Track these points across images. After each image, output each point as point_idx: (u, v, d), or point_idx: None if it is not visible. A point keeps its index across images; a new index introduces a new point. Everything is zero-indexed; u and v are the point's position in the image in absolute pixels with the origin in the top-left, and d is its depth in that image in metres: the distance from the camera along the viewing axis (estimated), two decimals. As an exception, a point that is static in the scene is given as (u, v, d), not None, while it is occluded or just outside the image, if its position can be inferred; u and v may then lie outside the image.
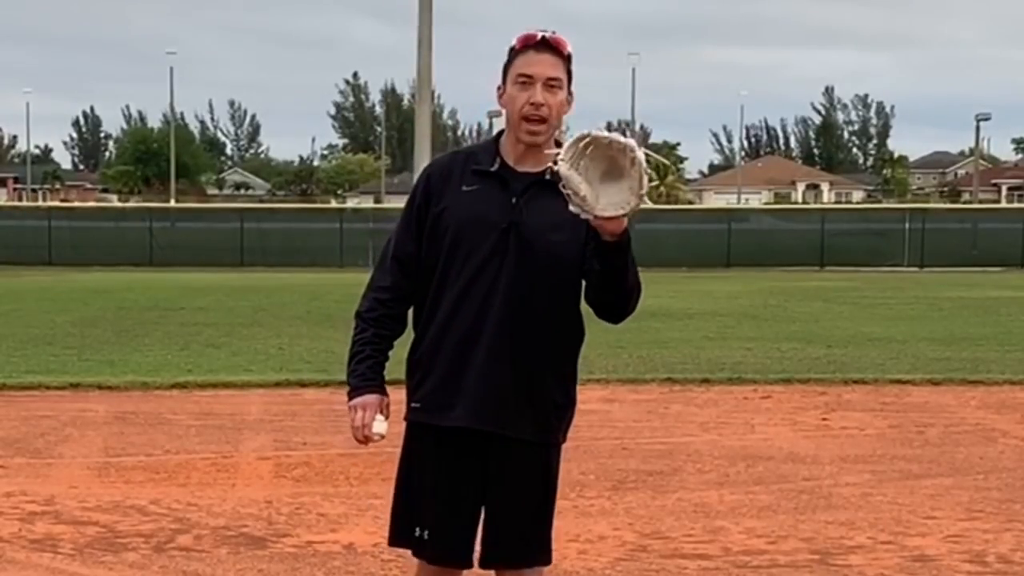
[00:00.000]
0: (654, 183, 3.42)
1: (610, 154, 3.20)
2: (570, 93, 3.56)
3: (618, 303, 3.54)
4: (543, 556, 3.67)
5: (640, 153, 3.17)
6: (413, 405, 3.61)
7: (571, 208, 3.22)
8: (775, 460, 8.01)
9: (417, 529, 3.60)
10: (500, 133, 3.62)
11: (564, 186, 3.21)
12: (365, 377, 3.60)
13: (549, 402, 3.59)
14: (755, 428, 9.24)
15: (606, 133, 3.21)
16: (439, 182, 3.58)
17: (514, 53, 3.52)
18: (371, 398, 3.59)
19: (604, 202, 3.22)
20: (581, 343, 3.69)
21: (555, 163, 3.21)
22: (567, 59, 3.53)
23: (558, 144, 3.49)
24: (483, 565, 3.65)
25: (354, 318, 3.69)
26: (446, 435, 3.55)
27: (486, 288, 3.49)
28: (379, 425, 3.58)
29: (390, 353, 3.66)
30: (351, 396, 3.62)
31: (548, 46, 3.49)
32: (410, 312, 3.68)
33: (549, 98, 3.47)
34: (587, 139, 3.19)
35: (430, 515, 3.59)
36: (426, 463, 3.61)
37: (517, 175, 3.53)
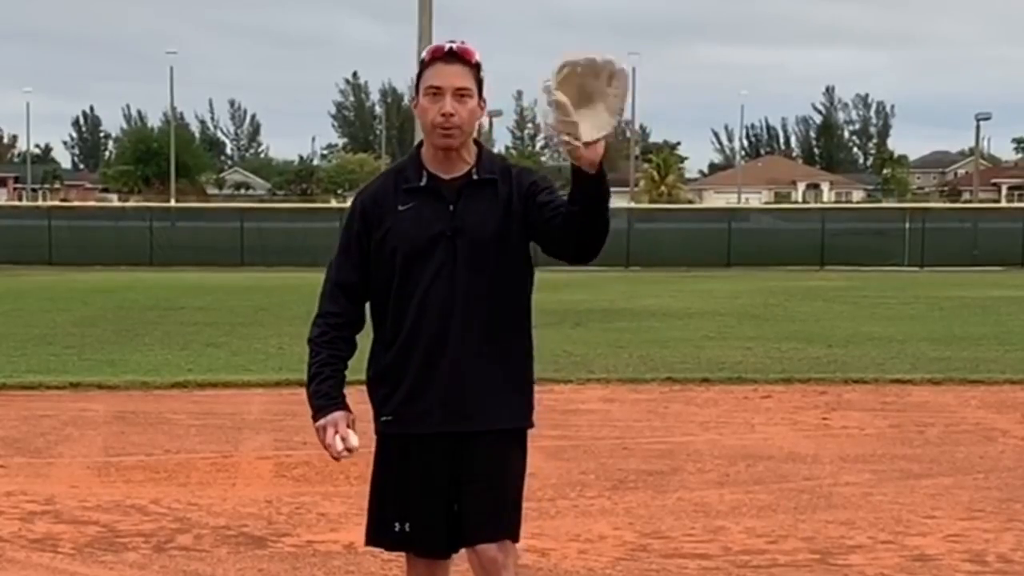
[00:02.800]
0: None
1: (578, 81, 3.22)
2: (481, 99, 3.67)
3: (597, 238, 3.55)
4: (515, 531, 3.78)
5: (622, 65, 3.19)
6: (384, 418, 3.74)
7: (558, 139, 3.25)
8: (775, 460, 8.01)
9: (397, 524, 3.72)
10: (420, 145, 3.74)
11: (557, 118, 3.21)
12: (329, 396, 3.73)
13: (520, 387, 3.74)
14: (755, 428, 9.24)
15: (584, 56, 3.20)
16: (374, 208, 3.70)
17: (424, 65, 3.65)
18: (338, 415, 3.71)
19: (586, 127, 3.25)
20: (531, 316, 3.80)
21: (548, 91, 3.22)
22: (476, 67, 3.65)
23: (477, 144, 3.70)
24: (466, 544, 3.73)
25: (307, 344, 3.81)
26: (421, 440, 3.68)
27: (443, 295, 3.62)
28: (352, 439, 3.70)
29: (346, 373, 3.78)
30: (317, 416, 3.73)
31: (456, 56, 3.61)
32: (358, 335, 3.80)
33: (459, 107, 3.59)
34: (567, 67, 3.19)
35: (410, 509, 3.71)
36: (402, 468, 3.73)
37: (446, 183, 3.66)
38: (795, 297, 24.42)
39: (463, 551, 3.77)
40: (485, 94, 3.69)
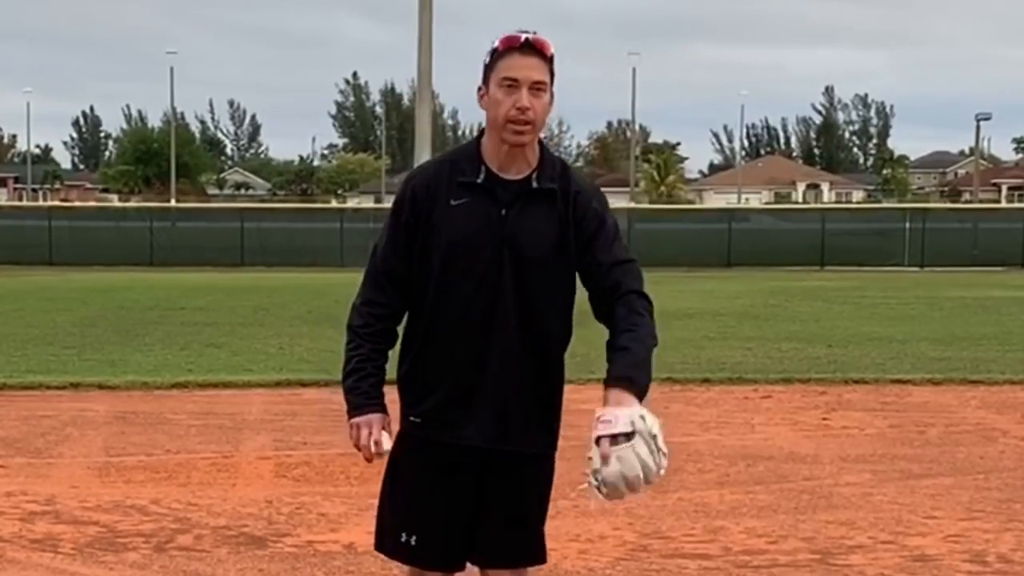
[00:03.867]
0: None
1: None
2: (552, 94, 3.48)
3: None
4: (542, 554, 3.70)
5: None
6: (412, 419, 3.56)
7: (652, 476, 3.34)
8: (775, 460, 8.01)
9: (403, 535, 3.58)
10: (480, 135, 3.54)
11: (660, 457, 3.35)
12: (369, 396, 3.54)
13: (553, 413, 3.62)
14: (755, 428, 9.24)
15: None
16: (425, 197, 3.48)
17: (497, 55, 3.43)
18: (375, 417, 3.53)
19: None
20: (568, 342, 3.68)
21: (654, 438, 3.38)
22: (550, 60, 3.45)
23: (542, 148, 3.51)
24: (484, 566, 3.64)
25: (347, 331, 3.61)
26: (448, 450, 3.52)
27: (487, 306, 3.44)
28: (386, 443, 3.56)
29: (386, 367, 3.61)
30: (354, 414, 3.56)
31: (532, 48, 3.41)
32: (399, 326, 3.64)
33: (535, 102, 3.39)
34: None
35: (420, 522, 3.57)
36: (420, 474, 3.58)
37: (504, 184, 3.47)
38: (795, 297, 24.42)
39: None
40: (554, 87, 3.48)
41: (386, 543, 3.66)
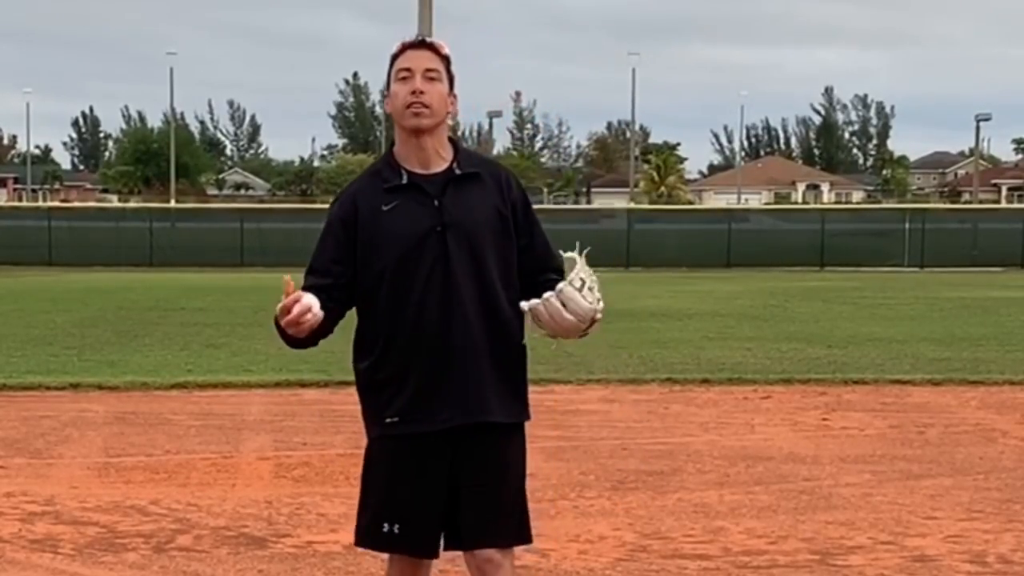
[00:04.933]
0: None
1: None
2: (453, 93, 3.70)
3: None
4: (527, 532, 3.79)
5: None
6: (389, 420, 3.66)
7: (582, 306, 3.54)
8: (775, 460, 8.01)
9: (386, 525, 3.68)
10: (391, 147, 3.73)
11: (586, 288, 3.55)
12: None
13: (520, 380, 3.74)
14: (755, 428, 9.24)
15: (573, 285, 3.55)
16: (352, 212, 3.66)
17: (394, 57, 3.69)
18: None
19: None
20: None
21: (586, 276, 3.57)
22: (445, 59, 3.69)
23: (453, 143, 3.70)
24: (471, 548, 3.71)
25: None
26: (425, 438, 3.63)
27: (440, 292, 3.60)
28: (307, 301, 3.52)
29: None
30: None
31: (425, 44, 3.70)
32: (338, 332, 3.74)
33: (429, 87, 3.62)
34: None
35: (401, 511, 3.67)
36: (398, 466, 3.68)
37: (427, 179, 3.65)
38: (795, 297, 24.43)
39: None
40: (456, 90, 3.72)
41: (369, 535, 3.76)
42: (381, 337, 3.64)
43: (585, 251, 3.59)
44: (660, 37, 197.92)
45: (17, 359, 13.03)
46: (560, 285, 3.52)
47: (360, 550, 5.80)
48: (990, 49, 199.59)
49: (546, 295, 3.52)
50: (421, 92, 3.60)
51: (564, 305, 3.51)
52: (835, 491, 7.13)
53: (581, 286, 3.52)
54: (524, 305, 3.54)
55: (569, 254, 3.57)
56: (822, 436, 8.92)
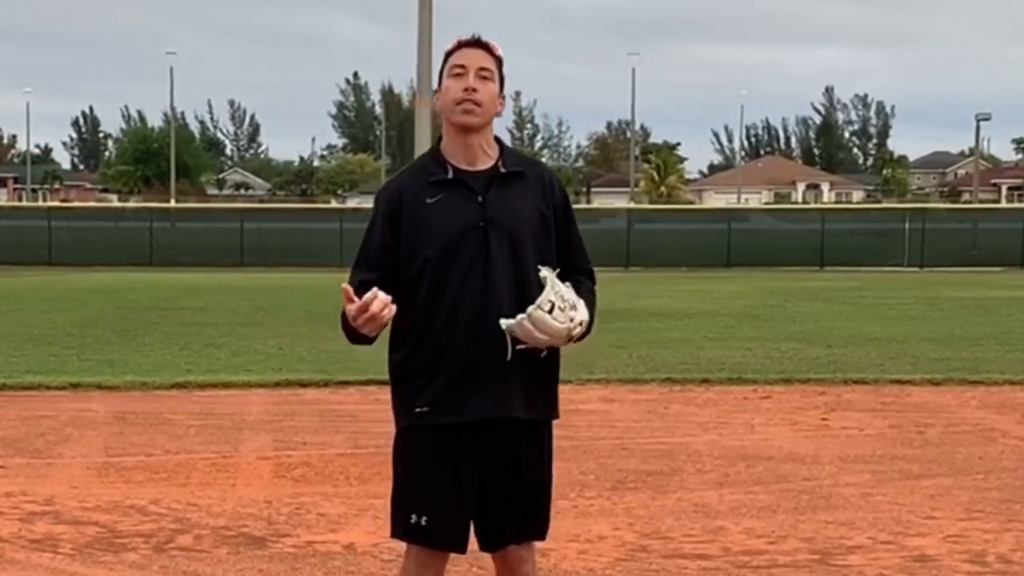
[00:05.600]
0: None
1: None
2: (502, 95, 3.76)
3: None
4: (545, 528, 3.87)
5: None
6: (419, 409, 3.69)
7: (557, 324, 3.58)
8: (775, 460, 8.01)
9: (413, 516, 3.72)
10: (438, 142, 3.79)
11: (560, 307, 3.59)
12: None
13: (551, 378, 3.79)
14: (755, 428, 9.24)
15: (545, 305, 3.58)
16: (399, 202, 3.71)
17: (448, 54, 3.76)
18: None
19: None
20: None
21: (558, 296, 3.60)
22: (498, 60, 3.76)
23: (499, 143, 3.77)
24: (491, 546, 3.80)
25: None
26: (454, 429, 3.67)
27: (478, 287, 3.64)
28: (380, 299, 3.50)
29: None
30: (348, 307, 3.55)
31: (480, 44, 3.74)
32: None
33: (481, 85, 3.68)
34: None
35: (429, 503, 3.70)
36: (428, 459, 3.71)
37: (473, 175, 3.71)
38: (795, 297, 24.42)
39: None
40: (505, 92, 3.77)
41: (398, 526, 3.80)
42: (417, 327, 3.67)
43: (556, 271, 3.61)
44: (660, 37, 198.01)
45: (17, 359, 13.03)
46: (529, 309, 3.55)
47: (360, 550, 5.85)
48: (990, 49, 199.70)
49: (519, 317, 3.56)
50: (474, 90, 3.66)
51: (535, 326, 3.56)
52: (835, 491, 7.13)
53: (551, 308, 3.57)
54: (503, 323, 3.58)
55: (543, 272, 3.60)
56: (822, 436, 8.92)
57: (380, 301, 3.50)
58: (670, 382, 11.49)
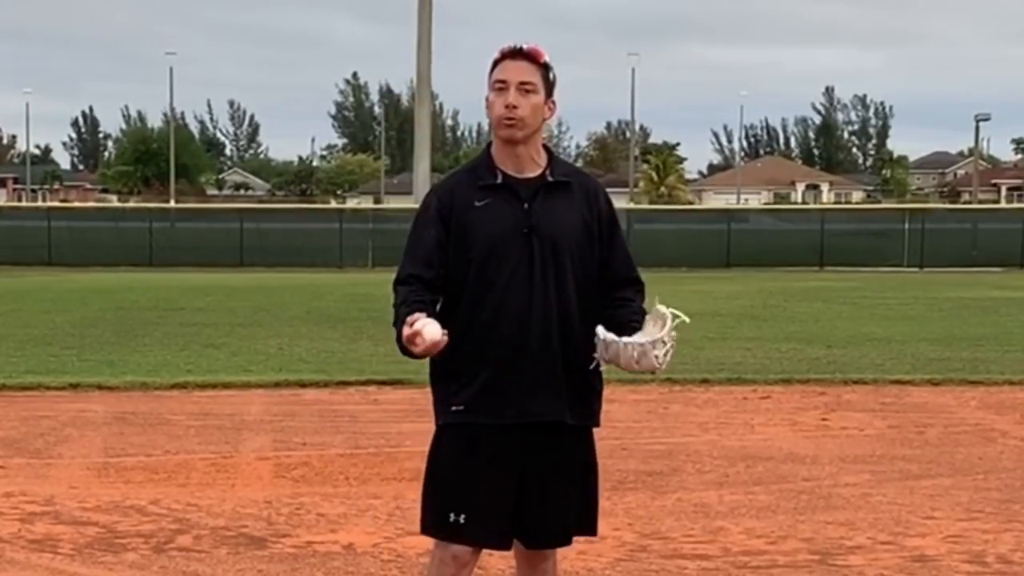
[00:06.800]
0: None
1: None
2: (551, 100, 3.79)
3: None
4: (592, 526, 3.98)
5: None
6: (456, 408, 3.75)
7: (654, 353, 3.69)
8: (775, 460, 8.01)
9: (451, 515, 3.75)
10: (489, 145, 3.87)
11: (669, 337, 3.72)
12: (420, 306, 3.65)
13: (591, 387, 3.86)
14: (755, 428, 9.24)
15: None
16: (449, 202, 3.78)
17: (493, 64, 3.79)
18: (422, 313, 3.63)
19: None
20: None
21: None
22: (543, 67, 3.78)
23: (548, 151, 3.81)
24: (530, 545, 3.86)
25: (394, 293, 3.76)
26: (492, 430, 3.72)
27: (522, 293, 3.71)
28: (430, 328, 3.56)
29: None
30: (401, 321, 3.63)
31: (523, 54, 3.76)
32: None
33: (522, 100, 3.72)
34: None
35: (467, 503, 3.74)
36: (465, 459, 3.76)
37: (521, 182, 3.77)
38: (795, 298, 24.42)
39: None
40: (555, 95, 3.81)
41: (434, 525, 3.83)
42: (458, 329, 3.70)
43: (678, 319, 3.72)
44: (659, 37, 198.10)
45: (17, 359, 13.03)
46: (643, 340, 3.63)
47: (360, 550, 5.85)
48: (990, 49, 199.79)
49: (626, 341, 3.62)
50: (514, 107, 3.71)
51: (635, 356, 3.63)
52: (835, 491, 7.13)
53: (665, 350, 3.66)
54: (601, 333, 3.63)
55: (662, 309, 3.69)
56: (822, 436, 8.92)
57: (430, 342, 3.54)
58: (670, 382, 11.46)
